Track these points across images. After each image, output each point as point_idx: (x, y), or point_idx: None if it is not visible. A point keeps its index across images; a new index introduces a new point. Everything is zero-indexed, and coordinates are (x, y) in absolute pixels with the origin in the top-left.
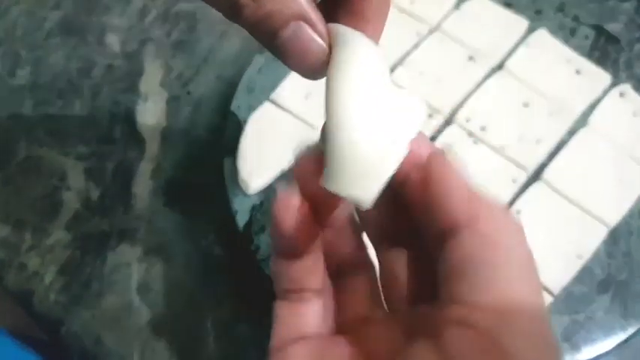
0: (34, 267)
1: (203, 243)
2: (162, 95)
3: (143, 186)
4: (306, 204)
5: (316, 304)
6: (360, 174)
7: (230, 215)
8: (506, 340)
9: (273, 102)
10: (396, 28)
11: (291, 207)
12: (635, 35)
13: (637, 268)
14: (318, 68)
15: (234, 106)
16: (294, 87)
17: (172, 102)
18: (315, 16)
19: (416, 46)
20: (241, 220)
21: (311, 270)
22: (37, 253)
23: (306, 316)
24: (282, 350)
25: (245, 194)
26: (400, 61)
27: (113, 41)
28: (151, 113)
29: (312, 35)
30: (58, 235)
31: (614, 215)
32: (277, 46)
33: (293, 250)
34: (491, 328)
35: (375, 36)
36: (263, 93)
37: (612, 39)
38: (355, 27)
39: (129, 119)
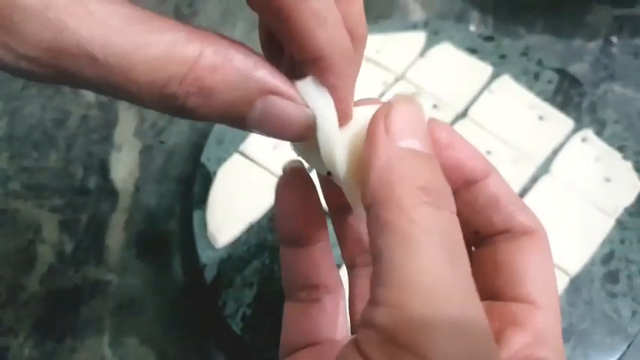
0: (9, 322)
1: (173, 297)
2: (136, 145)
3: (116, 238)
4: (309, 184)
5: (328, 303)
6: None
7: (200, 267)
8: (403, 336)
9: (242, 154)
10: (363, 78)
11: (294, 185)
12: (600, 75)
13: (599, 317)
14: (304, 133)
15: (204, 158)
16: (262, 138)
17: (145, 152)
18: (281, 82)
19: (381, 95)
20: (209, 274)
21: (319, 262)
22: (12, 308)
23: (316, 320)
24: (290, 358)
25: (214, 248)
26: None
27: (88, 91)
28: (124, 164)
29: (286, 105)
30: (33, 289)
31: (576, 263)
32: (251, 128)
33: (296, 235)
34: (387, 325)
35: (343, 99)
36: (232, 145)
37: (575, 82)
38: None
39: (103, 170)
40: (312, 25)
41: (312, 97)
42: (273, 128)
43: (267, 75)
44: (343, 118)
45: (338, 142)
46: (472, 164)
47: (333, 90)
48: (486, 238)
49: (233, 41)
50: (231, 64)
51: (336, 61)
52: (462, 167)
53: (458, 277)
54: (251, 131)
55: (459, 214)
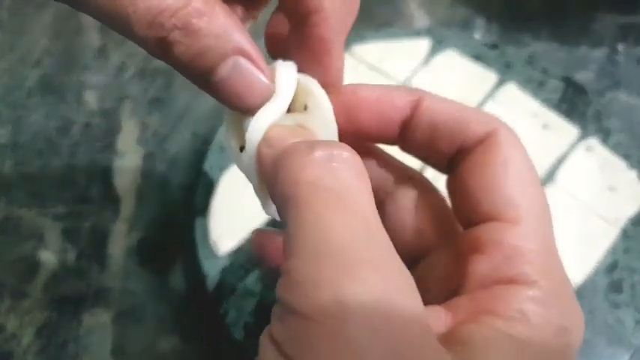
0: (12, 329)
1: (175, 305)
2: (138, 153)
3: (118, 246)
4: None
5: None
6: None
7: (202, 275)
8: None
9: None
10: None
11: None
12: (606, 83)
13: (601, 327)
14: (257, 107)
15: (206, 166)
16: None
17: (148, 159)
18: (255, 50)
19: None
20: (211, 282)
21: None
22: (15, 315)
23: None
24: None
25: (215, 256)
26: None
27: (91, 99)
28: (126, 172)
29: (254, 71)
30: (37, 296)
31: (580, 274)
32: (214, 85)
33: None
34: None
35: (330, 71)
36: None
37: (581, 90)
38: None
39: (105, 178)
40: None
41: (283, 78)
42: (236, 89)
43: (245, 39)
44: (336, 74)
45: (268, 122)
46: (391, 102)
47: (325, 44)
48: (449, 164)
49: (220, 2)
50: (218, 17)
51: (333, 14)
52: (383, 112)
53: (355, 231)
54: (208, 90)
55: (414, 150)
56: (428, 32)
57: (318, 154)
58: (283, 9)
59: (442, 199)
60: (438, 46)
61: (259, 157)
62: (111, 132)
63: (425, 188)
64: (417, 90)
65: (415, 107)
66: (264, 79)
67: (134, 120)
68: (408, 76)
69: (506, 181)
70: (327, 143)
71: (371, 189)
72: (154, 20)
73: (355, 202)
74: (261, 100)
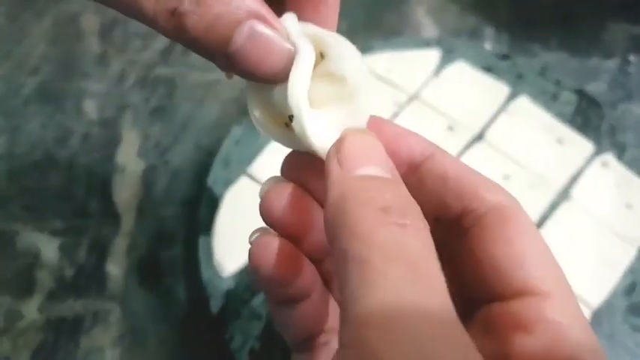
0: (5, 352)
1: (178, 327)
2: (139, 165)
3: (118, 263)
4: (283, 240)
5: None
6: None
7: (205, 297)
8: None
9: (250, 176)
10: (374, 97)
11: (269, 247)
12: (618, 95)
13: (621, 352)
14: (281, 72)
15: (210, 181)
16: (271, 160)
17: (149, 172)
18: (269, 13)
19: (394, 116)
20: (215, 305)
21: (319, 312)
22: (9, 337)
23: None
24: None
25: (220, 277)
26: None
27: (90, 108)
28: (127, 185)
29: (272, 34)
30: (32, 317)
31: (598, 295)
32: (232, 54)
33: (284, 297)
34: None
35: (327, 19)
36: (240, 166)
37: (594, 103)
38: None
39: (105, 191)
40: None
41: (296, 34)
42: (256, 57)
43: (258, 2)
44: (333, 22)
45: (306, 87)
46: (409, 145)
47: (324, 21)
48: (455, 226)
49: None
50: None
51: None
52: (397, 151)
53: (427, 301)
54: (224, 62)
55: (418, 197)
56: (437, 42)
57: (392, 220)
58: None
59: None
60: (447, 56)
61: (327, 172)
62: (111, 143)
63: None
64: (433, 144)
65: (428, 157)
66: (284, 41)
67: (135, 130)
68: (418, 88)
69: (534, 254)
70: (401, 209)
71: (437, 261)
72: None
73: (429, 277)
74: (284, 65)
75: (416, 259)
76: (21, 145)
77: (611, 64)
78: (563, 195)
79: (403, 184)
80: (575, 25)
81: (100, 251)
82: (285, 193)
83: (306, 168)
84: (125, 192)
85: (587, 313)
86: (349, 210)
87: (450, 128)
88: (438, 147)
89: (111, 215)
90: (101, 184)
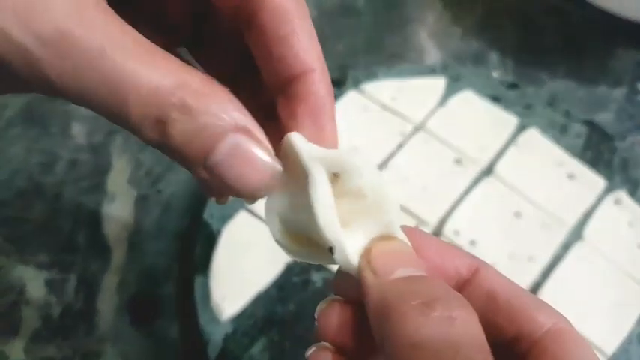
0: None
1: None
2: (130, 194)
3: (108, 301)
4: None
5: None
6: None
7: (202, 341)
8: None
9: (249, 211)
10: (378, 127)
11: None
12: (626, 126)
13: None
14: (263, 189)
15: (206, 215)
16: None
17: (141, 202)
18: (256, 127)
19: (400, 146)
20: (212, 351)
21: None
22: None
23: None
24: None
25: (218, 321)
26: (384, 164)
27: (78, 132)
28: (117, 216)
29: (256, 149)
30: (17, 358)
31: (612, 342)
32: (212, 166)
33: None
34: None
35: (324, 137)
36: (238, 200)
37: (605, 136)
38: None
39: (93, 223)
40: (307, 38)
41: (307, 157)
42: (236, 171)
43: (243, 114)
44: (333, 136)
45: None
46: (453, 261)
47: (322, 102)
48: (508, 350)
49: (219, 83)
50: (215, 94)
51: (323, 72)
52: (442, 267)
53: None
54: (202, 174)
55: None
56: (442, 69)
57: (436, 315)
58: (272, 77)
59: None
60: (454, 84)
61: (363, 284)
62: (100, 170)
63: None
64: (477, 257)
65: (474, 272)
66: (267, 157)
67: (125, 157)
68: (424, 118)
69: None
70: (445, 301)
71: (489, 348)
72: (152, 100)
73: None
74: (267, 182)
75: (469, 354)
76: (3, 172)
77: (619, 92)
78: (576, 235)
79: (442, 279)
80: (582, 52)
81: (89, 288)
82: (340, 312)
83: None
84: (115, 224)
85: None
86: (392, 311)
87: (458, 162)
88: (482, 261)
89: (100, 249)
90: (89, 214)
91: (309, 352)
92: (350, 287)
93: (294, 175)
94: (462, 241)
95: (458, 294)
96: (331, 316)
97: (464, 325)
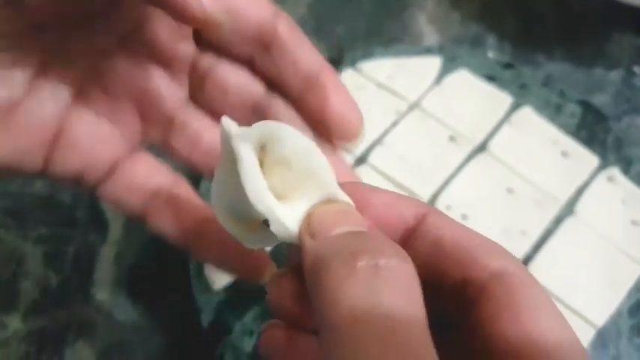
0: None
1: (166, 340)
2: None
3: (104, 274)
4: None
5: None
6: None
7: (196, 310)
8: None
9: None
10: (374, 105)
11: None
12: (623, 108)
13: None
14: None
15: (202, 191)
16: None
17: None
18: None
19: (395, 124)
20: (205, 319)
21: None
22: None
23: None
24: None
25: (211, 291)
26: (379, 141)
27: None
28: None
29: None
30: (15, 327)
31: (602, 315)
32: None
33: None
34: None
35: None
36: None
37: (599, 116)
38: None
39: (92, 198)
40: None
41: (234, 138)
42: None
43: None
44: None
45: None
46: (400, 211)
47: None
48: (457, 296)
49: None
50: None
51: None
52: (388, 219)
53: None
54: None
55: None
56: (439, 49)
57: (361, 265)
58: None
59: None
60: (449, 64)
61: (303, 249)
62: None
63: None
64: (424, 204)
65: (421, 220)
66: None
67: None
68: (419, 96)
69: (545, 331)
70: (373, 250)
71: (423, 306)
72: None
73: (405, 336)
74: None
75: (392, 320)
76: None
77: (616, 75)
78: (568, 210)
79: (381, 233)
80: (580, 36)
81: (87, 260)
82: (290, 283)
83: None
84: None
85: (591, 333)
86: (320, 269)
87: (452, 139)
88: (432, 208)
89: (98, 223)
90: None
91: (262, 331)
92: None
93: (230, 158)
94: (454, 215)
95: (393, 243)
96: (280, 287)
97: (391, 274)
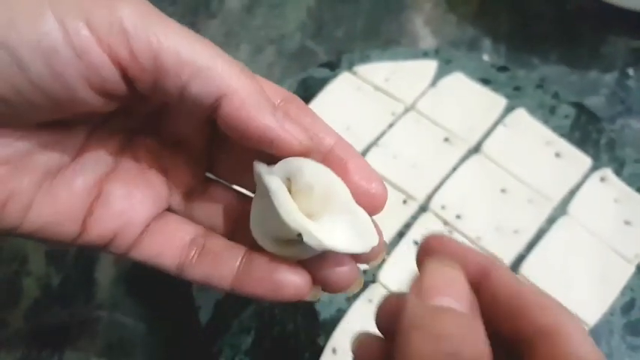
0: None
1: (166, 338)
2: None
3: (106, 272)
4: None
5: None
6: None
7: (194, 308)
8: None
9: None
10: (371, 107)
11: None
12: (617, 109)
13: None
14: None
15: None
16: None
17: None
18: None
19: (390, 125)
20: (204, 316)
21: None
22: None
23: None
24: None
25: (209, 288)
26: (375, 142)
27: None
28: None
29: None
30: (17, 325)
31: (594, 313)
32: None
33: None
34: None
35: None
36: None
37: (593, 117)
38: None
39: None
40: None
41: (265, 175)
42: None
43: None
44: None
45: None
46: (472, 263)
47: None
48: (513, 351)
49: None
50: None
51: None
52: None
53: None
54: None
55: None
56: (435, 52)
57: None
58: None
59: None
60: (445, 67)
61: (407, 302)
62: None
63: None
64: (489, 258)
65: (485, 276)
66: None
67: None
68: (415, 99)
69: None
70: (460, 350)
71: None
72: None
73: None
74: None
75: None
76: None
77: (610, 77)
78: (561, 210)
79: (480, 325)
80: (575, 39)
81: (88, 259)
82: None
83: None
84: None
85: None
86: (414, 344)
87: (447, 140)
88: (495, 263)
89: None
90: None
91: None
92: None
93: (264, 193)
94: (448, 215)
95: (487, 352)
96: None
97: None
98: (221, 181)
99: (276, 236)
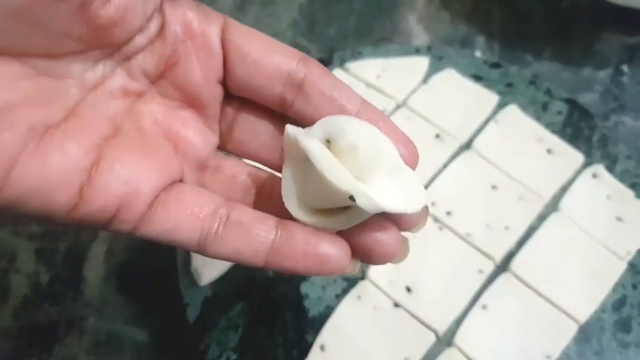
0: None
1: (155, 336)
2: None
3: (95, 270)
4: None
5: None
6: None
7: (182, 305)
8: None
9: None
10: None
11: None
12: (611, 106)
13: None
14: None
15: None
16: None
17: None
18: None
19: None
20: (192, 314)
21: None
22: None
23: None
24: None
25: (197, 285)
26: None
27: None
28: None
29: None
30: (5, 323)
31: (585, 310)
32: None
33: None
34: None
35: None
36: None
37: (586, 114)
38: None
39: None
40: None
41: (300, 137)
42: None
43: None
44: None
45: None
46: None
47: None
48: None
49: None
50: None
51: None
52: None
53: None
54: None
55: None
56: (427, 49)
57: None
58: None
59: None
60: (437, 63)
61: None
62: None
63: None
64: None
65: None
66: None
67: None
68: (407, 95)
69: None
70: None
71: None
72: None
73: None
74: None
75: None
76: None
77: (604, 74)
78: (552, 206)
79: None
80: (569, 35)
81: (78, 257)
82: None
83: None
84: None
85: (574, 328)
86: None
87: (438, 137)
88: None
89: None
90: None
91: None
92: None
93: (297, 159)
94: (439, 212)
95: None
96: None
97: None
98: (232, 155)
99: (316, 205)
